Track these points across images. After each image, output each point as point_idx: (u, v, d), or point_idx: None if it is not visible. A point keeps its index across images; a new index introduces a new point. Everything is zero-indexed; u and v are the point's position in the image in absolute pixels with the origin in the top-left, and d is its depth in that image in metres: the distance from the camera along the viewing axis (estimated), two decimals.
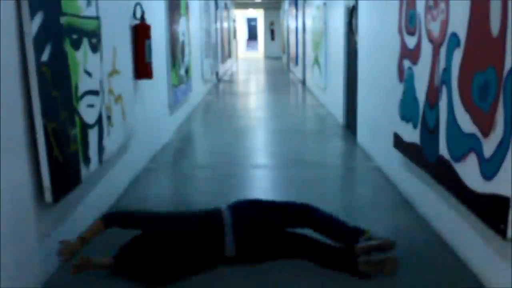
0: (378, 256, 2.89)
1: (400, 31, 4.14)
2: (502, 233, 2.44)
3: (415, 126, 3.74)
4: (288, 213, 3.16)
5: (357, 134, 6.56)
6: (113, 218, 3.03)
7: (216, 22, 14.91)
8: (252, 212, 3.13)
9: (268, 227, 3.10)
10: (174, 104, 7.24)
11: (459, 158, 2.92)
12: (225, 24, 19.49)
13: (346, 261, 2.95)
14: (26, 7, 2.58)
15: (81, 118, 3.28)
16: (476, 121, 2.71)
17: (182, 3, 8.09)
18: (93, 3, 3.56)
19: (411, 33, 3.84)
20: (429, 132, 3.43)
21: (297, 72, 16.60)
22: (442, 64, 3.19)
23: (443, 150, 3.17)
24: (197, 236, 3.01)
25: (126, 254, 2.96)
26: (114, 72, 4.06)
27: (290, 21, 19.50)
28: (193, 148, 6.80)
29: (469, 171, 2.79)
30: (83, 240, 2.88)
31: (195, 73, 9.78)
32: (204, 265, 3.02)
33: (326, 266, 2.99)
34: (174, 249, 2.97)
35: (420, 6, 3.62)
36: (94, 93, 3.56)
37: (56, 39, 2.92)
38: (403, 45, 4.04)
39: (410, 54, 3.87)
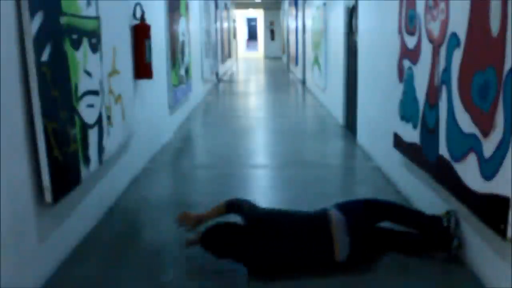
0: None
1: (400, 31, 4.14)
2: (502, 233, 2.44)
3: (415, 126, 3.74)
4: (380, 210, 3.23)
5: (357, 134, 6.55)
6: (237, 205, 3.15)
7: (216, 22, 14.91)
8: (360, 212, 3.10)
9: (370, 225, 3.13)
10: (174, 104, 7.24)
11: (459, 158, 2.91)
12: (225, 24, 19.48)
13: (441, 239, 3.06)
14: (26, 7, 2.58)
15: (81, 118, 3.28)
16: (476, 121, 2.71)
17: (182, 3, 8.09)
18: (93, 3, 3.56)
19: (411, 33, 3.84)
20: (429, 132, 3.43)
21: (297, 72, 16.60)
22: (442, 64, 3.19)
23: (443, 150, 3.17)
24: (304, 238, 2.94)
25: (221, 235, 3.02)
26: (114, 72, 4.06)
27: (290, 21, 19.50)
28: (193, 148, 6.80)
29: (469, 171, 2.78)
30: (201, 218, 3.17)
31: (195, 73, 9.78)
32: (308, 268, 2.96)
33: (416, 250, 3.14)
34: (279, 246, 2.92)
35: (420, 6, 3.62)
36: (94, 93, 3.56)
37: (56, 39, 2.92)
38: (403, 45, 4.04)
39: (410, 54, 3.87)
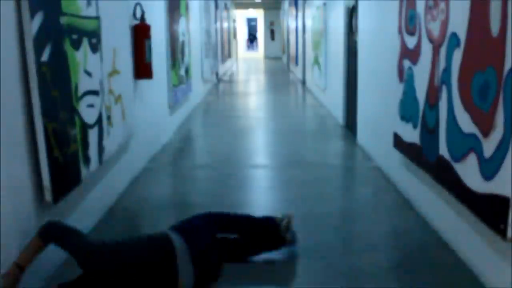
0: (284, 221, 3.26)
1: (400, 31, 4.14)
2: (502, 233, 2.44)
3: (415, 126, 3.74)
4: (230, 223, 3.15)
5: (357, 134, 6.56)
6: (51, 231, 2.59)
7: (216, 22, 14.91)
8: (205, 234, 2.86)
9: (216, 242, 2.94)
10: (174, 104, 7.24)
11: (459, 158, 2.92)
12: (225, 24, 19.49)
13: (274, 239, 3.21)
14: (26, 7, 2.58)
15: (81, 118, 3.28)
16: (476, 121, 2.71)
17: (182, 3, 8.09)
18: (93, 3, 3.56)
19: (411, 33, 3.85)
20: (429, 132, 3.44)
21: (297, 72, 16.60)
22: (442, 64, 3.19)
23: (443, 150, 3.17)
24: (143, 269, 2.60)
25: None
26: (114, 72, 4.06)
27: (290, 21, 19.51)
28: (193, 148, 6.80)
29: (469, 171, 2.79)
30: (20, 266, 2.47)
31: (195, 73, 9.78)
32: None
33: (262, 251, 3.17)
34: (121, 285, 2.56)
35: (420, 6, 3.62)
36: (94, 93, 3.56)
37: (56, 39, 2.92)
38: (403, 45, 4.04)
39: (410, 54, 3.87)
